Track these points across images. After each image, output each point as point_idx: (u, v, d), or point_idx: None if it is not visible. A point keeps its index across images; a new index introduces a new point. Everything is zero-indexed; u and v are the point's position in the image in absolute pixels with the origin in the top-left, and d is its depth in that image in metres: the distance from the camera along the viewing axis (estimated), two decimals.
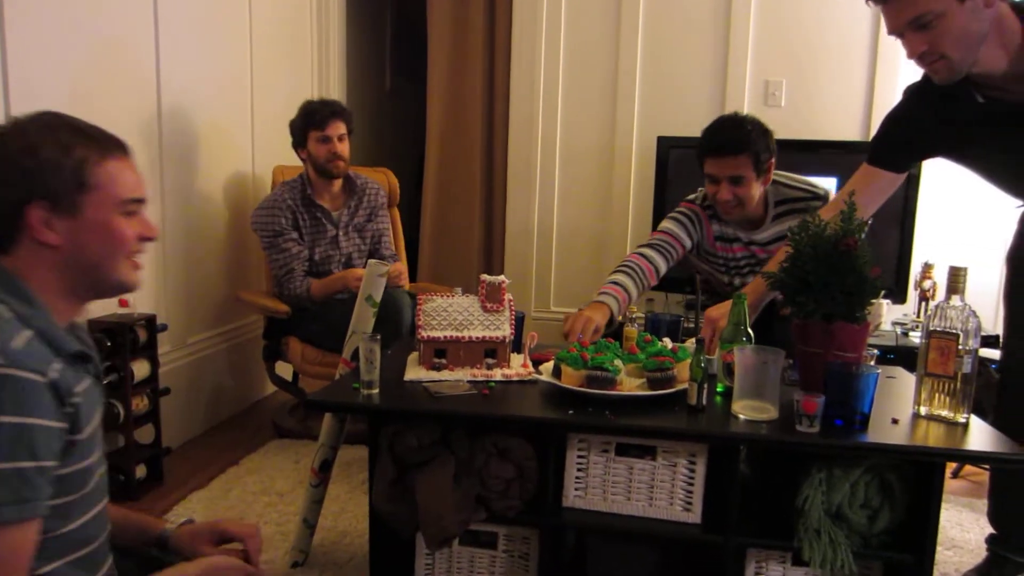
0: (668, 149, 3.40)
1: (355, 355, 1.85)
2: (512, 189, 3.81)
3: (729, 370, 1.69)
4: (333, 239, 2.83)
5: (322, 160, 2.76)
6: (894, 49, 3.33)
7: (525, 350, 1.94)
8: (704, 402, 1.61)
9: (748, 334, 1.73)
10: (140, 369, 2.40)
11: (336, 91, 3.78)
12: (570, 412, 1.58)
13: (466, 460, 1.65)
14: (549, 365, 1.77)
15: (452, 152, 3.90)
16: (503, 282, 1.87)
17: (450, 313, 1.86)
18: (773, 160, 2.20)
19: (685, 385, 1.64)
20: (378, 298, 1.98)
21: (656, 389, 1.65)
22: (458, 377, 1.79)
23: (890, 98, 3.35)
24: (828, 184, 2.54)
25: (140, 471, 2.44)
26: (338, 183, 2.86)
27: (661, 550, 1.76)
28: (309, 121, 2.76)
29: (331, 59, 3.76)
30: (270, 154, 3.26)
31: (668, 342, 1.87)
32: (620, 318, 2.12)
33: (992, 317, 3.34)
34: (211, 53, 2.93)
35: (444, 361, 1.83)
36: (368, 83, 4.67)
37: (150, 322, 2.43)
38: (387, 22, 4.97)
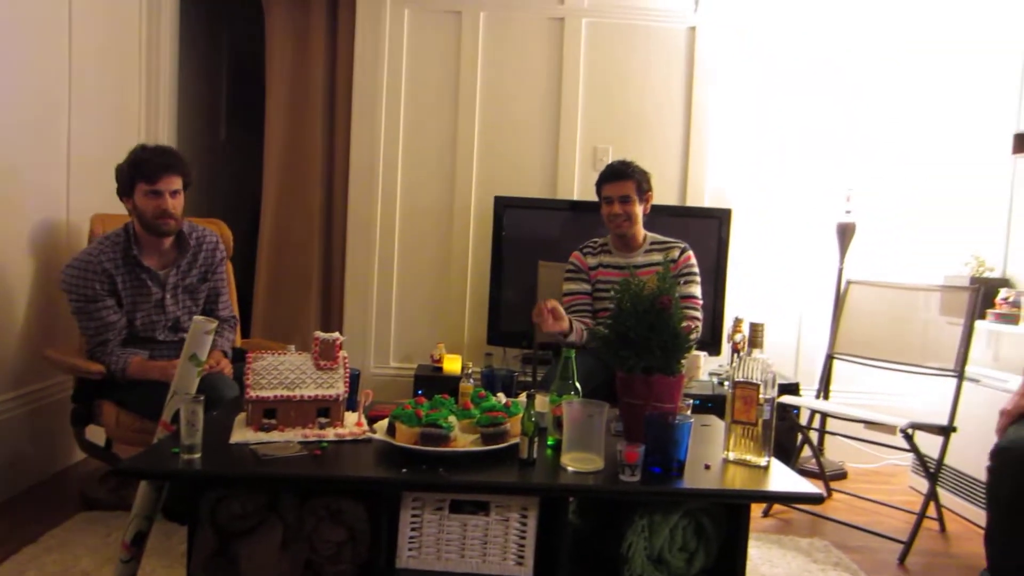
0: (504, 208, 3.53)
1: (176, 417, 1.74)
2: (352, 245, 3.78)
3: (559, 423, 1.75)
4: (158, 303, 2.57)
5: (149, 216, 2.48)
6: (703, 120, 3.70)
7: (360, 408, 1.91)
8: (535, 455, 1.66)
9: (576, 387, 1.82)
10: None
11: (165, 135, 3.60)
12: (404, 471, 1.57)
13: (295, 525, 1.59)
14: (384, 423, 1.75)
15: (290, 205, 3.82)
16: (338, 339, 1.85)
17: (281, 372, 1.80)
18: (651, 193, 2.81)
19: (518, 439, 1.69)
20: (203, 357, 1.88)
21: (489, 444, 1.68)
22: (288, 438, 1.73)
23: (701, 166, 3.71)
24: None
25: None
26: (169, 240, 2.60)
27: None
28: (138, 171, 2.48)
29: (160, 101, 3.58)
30: (89, 201, 3.03)
31: (502, 397, 1.91)
32: (575, 339, 2.62)
33: (791, 367, 3.71)
34: (19, 88, 2.71)
35: (274, 422, 1.77)
36: (201, 131, 4.50)
37: None
38: (224, 69, 4.84)
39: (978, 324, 2.85)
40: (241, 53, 4.86)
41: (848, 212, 3.46)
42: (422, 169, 3.77)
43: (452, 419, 1.69)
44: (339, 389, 1.81)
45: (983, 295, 2.89)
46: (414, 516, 1.61)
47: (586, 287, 2.84)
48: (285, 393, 1.77)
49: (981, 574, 2.16)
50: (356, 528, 1.60)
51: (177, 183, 2.51)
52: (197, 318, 1.93)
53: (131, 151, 2.55)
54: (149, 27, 3.53)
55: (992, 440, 2.16)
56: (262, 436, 1.73)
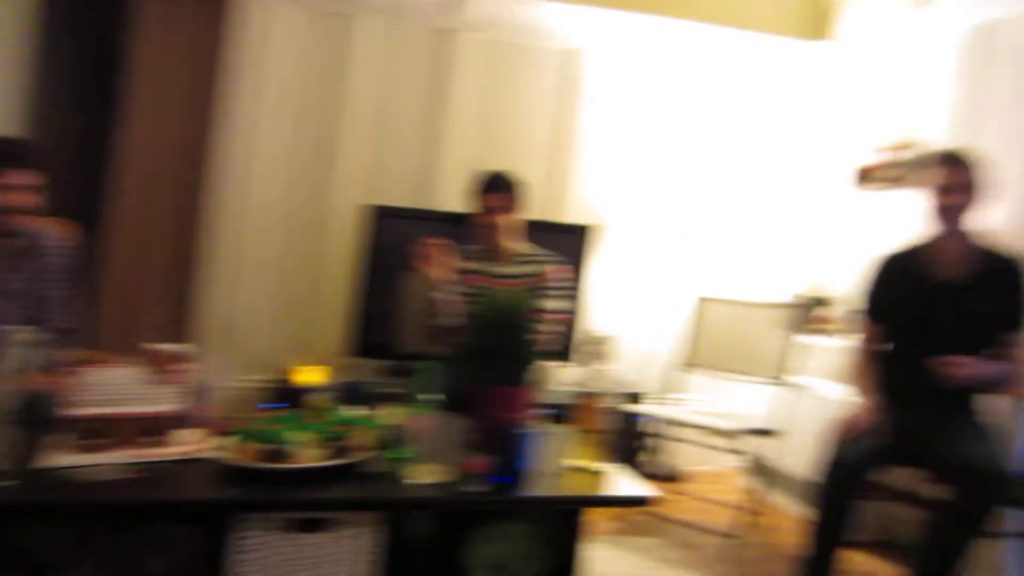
0: (380, 217, 3.45)
1: None
2: (211, 251, 3.56)
3: (407, 435, 1.74)
4: None
5: None
6: (578, 137, 3.80)
7: (206, 423, 1.80)
8: (380, 469, 1.63)
9: (436, 399, 1.81)
10: None
11: (5, 126, 3.25)
12: (241, 490, 1.51)
13: (116, 558, 1.48)
14: (223, 440, 1.67)
15: (144, 206, 3.54)
16: (174, 351, 1.74)
17: (107, 387, 1.68)
18: (526, 205, 2.82)
19: (366, 454, 1.66)
20: (15, 370, 1.71)
21: (335, 459, 1.64)
22: (112, 460, 1.60)
23: (565, 185, 3.81)
24: None
25: None
26: (4, 241, 2.35)
27: None
28: None
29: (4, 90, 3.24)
30: None
31: (356, 409, 1.87)
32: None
33: (646, 377, 3.87)
34: None
35: (97, 442, 1.64)
36: (52, 123, 4.09)
37: None
38: (83, 59, 4.43)
39: (805, 337, 3.12)
40: (103, 43, 4.47)
41: (698, 232, 3.67)
42: (293, 174, 3.61)
43: (294, 434, 1.64)
44: (172, 404, 1.70)
45: (810, 311, 3.18)
46: (249, 538, 1.54)
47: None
48: (110, 410, 1.65)
49: (806, 562, 2.35)
50: (188, 556, 1.51)
51: (25, 178, 2.24)
52: (9, 328, 1.75)
53: None
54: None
55: (811, 444, 2.35)
56: (81, 458, 1.59)
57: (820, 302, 3.49)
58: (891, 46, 3.51)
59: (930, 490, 2.37)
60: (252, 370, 3.63)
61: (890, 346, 2.41)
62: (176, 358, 1.74)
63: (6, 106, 3.28)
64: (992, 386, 2.29)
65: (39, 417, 2.03)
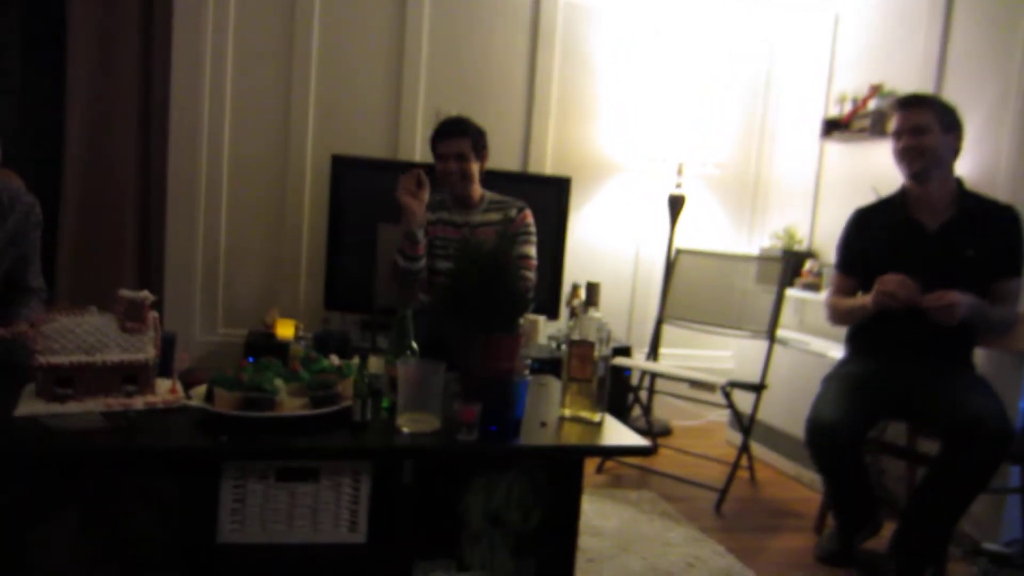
0: (343, 168, 3.37)
1: None
2: (173, 203, 3.46)
3: (394, 384, 1.69)
4: None
5: None
6: (547, 88, 3.73)
7: (174, 374, 1.74)
8: (368, 418, 1.58)
9: (412, 347, 1.76)
10: None
11: None
12: (223, 439, 1.45)
13: (96, 507, 1.42)
14: (202, 389, 1.61)
15: (99, 159, 3.41)
16: (146, 299, 1.67)
17: (78, 335, 1.60)
18: (487, 152, 2.74)
19: (350, 402, 1.61)
20: None
21: (319, 408, 1.58)
22: (88, 408, 1.54)
23: (543, 134, 3.74)
24: None
25: None
26: None
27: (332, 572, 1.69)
28: None
29: None
30: None
31: (335, 359, 1.82)
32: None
33: (624, 331, 3.87)
34: None
35: (70, 391, 1.57)
36: None
37: None
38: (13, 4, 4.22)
39: (787, 292, 3.10)
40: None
41: (679, 185, 3.62)
42: (253, 124, 3.51)
43: (278, 382, 1.58)
44: (148, 353, 1.63)
45: (792, 266, 3.15)
46: (236, 487, 1.49)
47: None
48: (83, 359, 1.57)
49: (827, 535, 2.34)
50: (170, 506, 1.46)
51: None
52: None
53: None
54: None
55: (796, 398, 2.34)
56: (55, 407, 1.52)
57: (801, 256, 3.48)
58: None
59: (926, 445, 2.37)
60: (228, 324, 3.57)
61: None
62: (146, 306, 1.66)
63: None
64: (989, 332, 2.25)
65: (14, 366, 1.95)
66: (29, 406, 1.53)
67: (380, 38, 3.59)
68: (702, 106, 3.82)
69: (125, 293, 1.66)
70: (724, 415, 3.63)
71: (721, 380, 2.78)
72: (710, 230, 3.94)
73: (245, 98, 3.50)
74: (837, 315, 2.40)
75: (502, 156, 3.63)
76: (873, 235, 2.35)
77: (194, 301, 3.52)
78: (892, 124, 2.29)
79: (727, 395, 2.79)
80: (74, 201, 3.39)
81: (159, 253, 3.49)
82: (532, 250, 2.70)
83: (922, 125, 2.20)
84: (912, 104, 2.25)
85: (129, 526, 1.43)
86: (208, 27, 3.40)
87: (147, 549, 1.45)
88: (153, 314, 1.68)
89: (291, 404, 1.58)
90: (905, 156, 2.24)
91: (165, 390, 1.67)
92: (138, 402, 1.59)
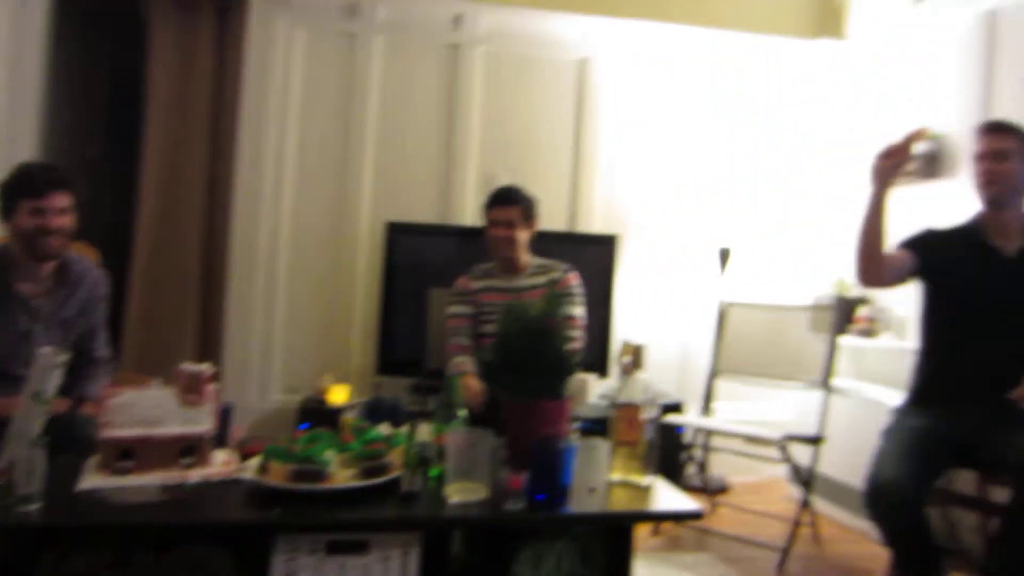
0: (397, 234, 3.45)
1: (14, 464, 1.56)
2: (234, 271, 3.58)
3: (442, 452, 1.70)
4: (24, 335, 2.27)
5: (31, 235, 2.22)
6: (593, 148, 3.78)
7: (231, 445, 1.79)
8: (417, 487, 1.59)
9: (459, 414, 1.77)
10: None
11: (28, 156, 3.30)
12: (276, 511, 1.48)
13: None
14: (256, 460, 1.64)
15: (167, 230, 3.56)
16: (204, 372, 1.73)
17: (140, 408, 1.66)
18: (536, 219, 2.81)
19: (400, 472, 1.62)
20: (49, 394, 1.70)
21: (369, 478, 1.60)
22: (147, 481, 1.59)
23: (589, 196, 3.77)
24: None
25: None
26: (49, 267, 2.33)
27: None
28: (21, 187, 2.24)
29: (24, 119, 3.30)
30: None
31: (386, 427, 1.84)
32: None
33: (676, 387, 3.80)
34: None
35: (131, 464, 1.62)
36: (73, 152, 4.16)
37: None
38: (101, 87, 4.51)
39: (841, 340, 3.02)
40: (120, 70, 4.55)
41: (728, 237, 3.60)
42: (311, 194, 3.64)
43: (329, 453, 1.61)
44: (205, 425, 1.69)
45: (844, 313, 3.08)
46: (287, 560, 1.51)
47: (469, 309, 2.80)
48: (144, 432, 1.63)
49: None
50: None
51: (65, 200, 2.26)
52: (43, 350, 1.74)
53: (13, 169, 2.30)
54: (12, 43, 3.24)
55: (857, 449, 2.26)
56: (116, 480, 1.58)
57: (854, 302, 3.39)
58: (899, 40, 3.45)
59: (997, 493, 2.25)
60: (284, 391, 3.64)
61: (933, 341, 2.30)
62: (207, 379, 1.72)
63: (23, 135, 3.32)
64: None
65: (76, 441, 2.03)
66: (92, 479, 1.59)
67: (432, 109, 3.71)
68: (745, 157, 3.82)
69: (184, 367, 1.72)
70: (783, 469, 3.52)
71: (777, 434, 2.71)
72: (760, 279, 3.89)
73: (304, 171, 3.63)
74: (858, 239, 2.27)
75: (552, 216, 3.66)
76: (951, 249, 2.29)
77: (252, 368, 3.61)
78: (974, 147, 2.26)
79: (783, 449, 2.71)
80: (142, 271, 3.55)
81: (220, 322, 3.61)
82: (578, 311, 2.71)
83: (1003, 151, 2.19)
84: (995, 130, 2.24)
85: None
86: (271, 109, 3.56)
87: None
88: (214, 386, 1.73)
89: (342, 475, 1.60)
90: (989, 181, 2.22)
91: (221, 461, 1.72)
92: (195, 474, 1.64)
